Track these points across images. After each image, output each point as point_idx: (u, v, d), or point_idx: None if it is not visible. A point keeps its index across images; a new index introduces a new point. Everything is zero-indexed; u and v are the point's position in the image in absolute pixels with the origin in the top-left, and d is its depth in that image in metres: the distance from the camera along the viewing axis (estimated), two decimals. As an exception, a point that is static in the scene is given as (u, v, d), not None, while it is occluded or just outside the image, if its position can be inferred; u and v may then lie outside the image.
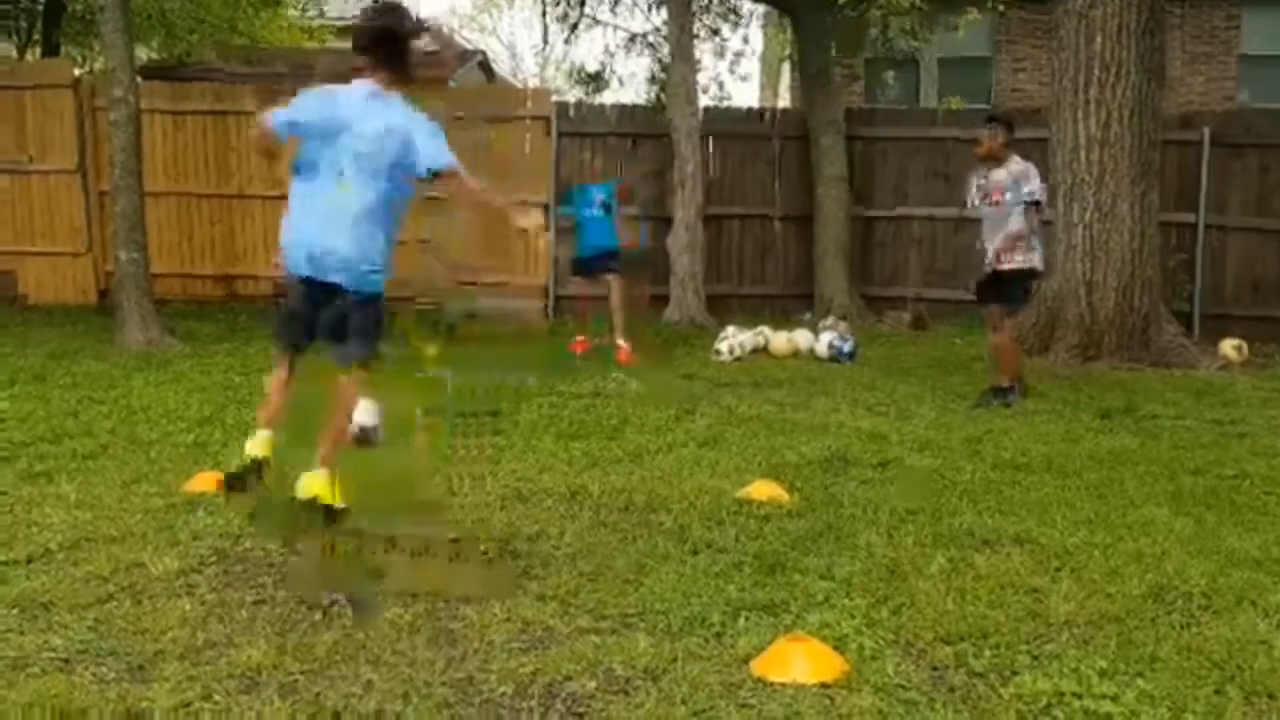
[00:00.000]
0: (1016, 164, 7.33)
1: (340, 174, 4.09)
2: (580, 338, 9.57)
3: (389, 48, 4.20)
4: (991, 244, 7.31)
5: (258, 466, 4.08)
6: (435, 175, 4.10)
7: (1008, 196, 7.25)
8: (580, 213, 9.68)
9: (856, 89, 16.58)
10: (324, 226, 4.09)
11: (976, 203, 7.50)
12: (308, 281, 4.09)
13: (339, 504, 4.01)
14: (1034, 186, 7.24)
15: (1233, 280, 11.95)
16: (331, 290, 4.07)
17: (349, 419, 4.35)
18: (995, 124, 7.52)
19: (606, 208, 9.60)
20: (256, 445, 4.12)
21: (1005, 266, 7.26)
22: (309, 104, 4.15)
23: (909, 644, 3.31)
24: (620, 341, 9.34)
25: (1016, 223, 7.19)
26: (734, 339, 9.61)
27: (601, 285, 9.53)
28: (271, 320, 4.91)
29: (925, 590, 3.74)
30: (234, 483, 4.11)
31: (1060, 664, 3.14)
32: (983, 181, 7.45)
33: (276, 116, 4.06)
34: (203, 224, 12.71)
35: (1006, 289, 7.34)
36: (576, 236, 9.72)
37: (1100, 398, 7.59)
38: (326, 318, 4.10)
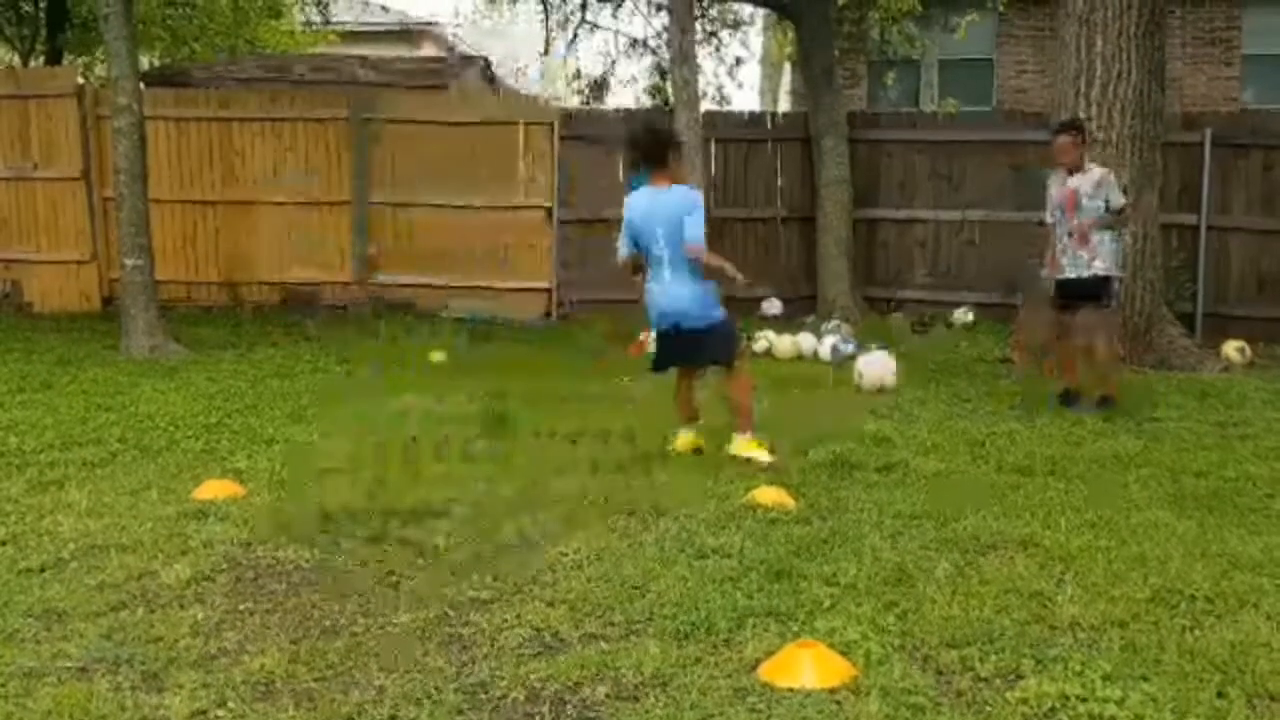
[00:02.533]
0: (1095, 170, 7.22)
1: None
2: (642, 337, 9.76)
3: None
4: (1068, 255, 7.18)
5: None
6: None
7: (1084, 203, 7.12)
8: None
9: (859, 92, 16.63)
10: None
11: (1057, 216, 7.31)
12: None
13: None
14: (1116, 194, 7.14)
15: (1236, 281, 11.97)
16: None
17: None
18: (1073, 130, 7.35)
19: None
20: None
21: (1087, 273, 7.14)
22: None
23: (915, 649, 3.34)
24: (643, 336, 9.58)
25: (1096, 230, 7.09)
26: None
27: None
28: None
29: (931, 595, 3.77)
30: None
31: (1065, 668, 3.16)
32: (1061, 190, 7.29)
33: None
34: (207, 230, 12.77)
35: (1091, 291, 7.17)
36: None
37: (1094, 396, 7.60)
38: None
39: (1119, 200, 7.19)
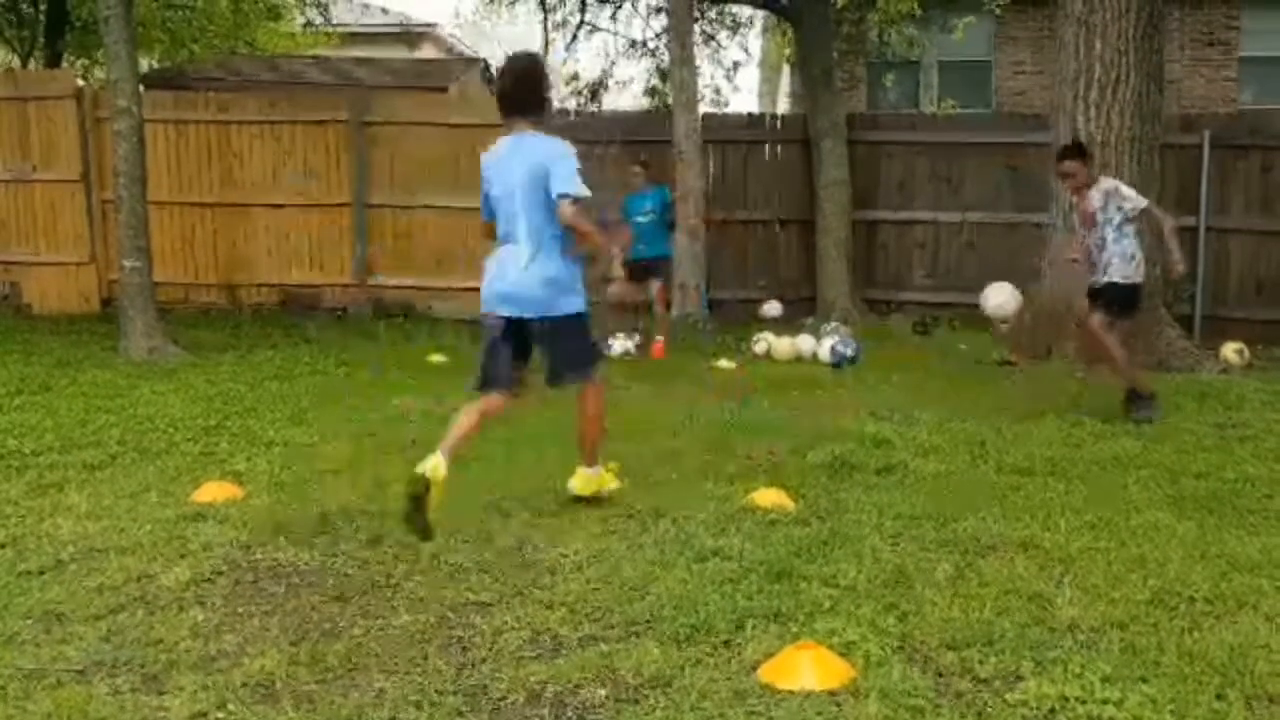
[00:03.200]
0: (1103, 184, 7.22)
1: None
2: (659, 339, 10.01)
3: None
4: (1099, 262, 7.15)
5: None
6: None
7: (1100, 218, 7.10)
8: (635, 220, 10.05)
9: (858, 93, 16.65)
10: None
11: (1082, 233, 7.30)
12: None
13: None
14: (1131, 199, 7.06)
15: (1235, 282, 11.98)
16: None
17: None
18: (1075, 154, 7.35)
19: (657, 214, 10.17)
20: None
21: (1108, 280, 7.09)
22: None
23: (915, 650, 3.34)
24: (659, 336, 9.95)
25: (1115, 238, 7.04)
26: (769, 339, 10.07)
27: (642, 290, 10.00)
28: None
29: (930, 596, 3.77)
30: None
31: (1064, 669, 3.16)
32: (1079, 209, 7.30)
33: None
34: (205, 233, 12.77)
35: (1104, 300, 7.12)
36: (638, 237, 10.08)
37: (1102, 402, 7.60)
38: None
39: (1135, 203, 7.06)
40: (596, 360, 5.03)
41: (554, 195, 4.54)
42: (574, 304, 4.73)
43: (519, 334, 4.73)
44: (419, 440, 6.12)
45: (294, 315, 12.03)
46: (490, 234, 4.93)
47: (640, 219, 10.05)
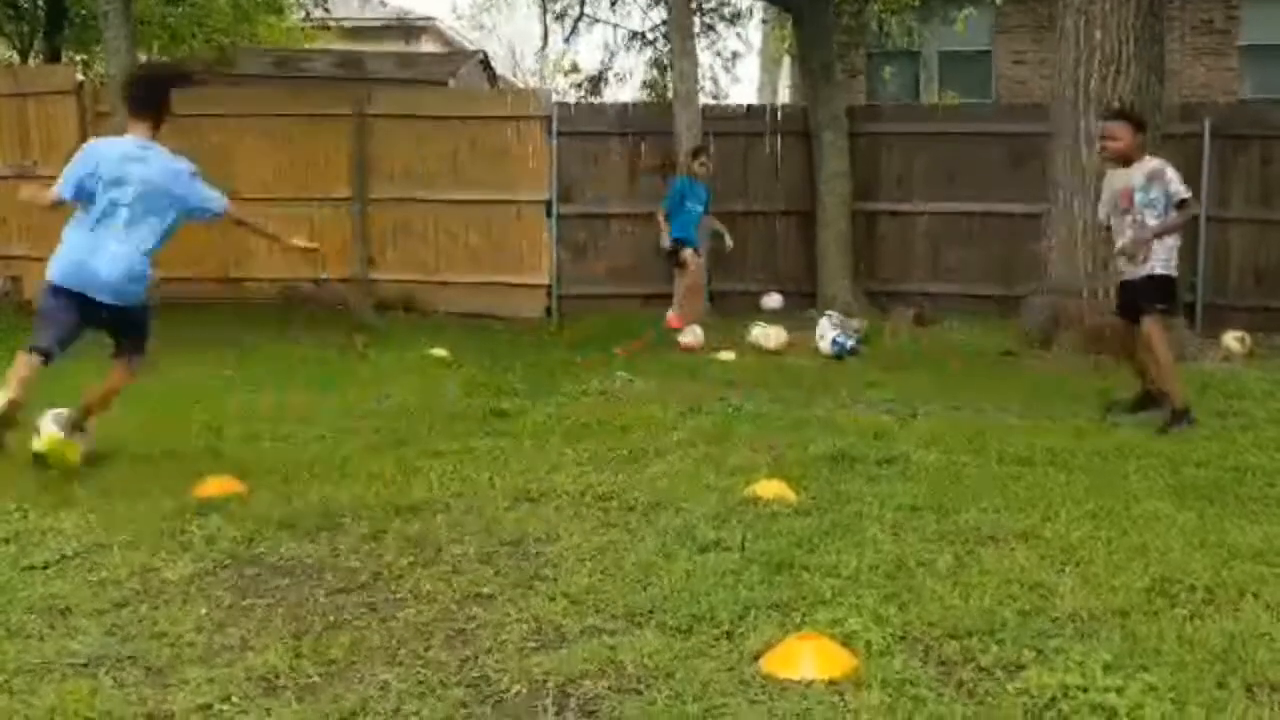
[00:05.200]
0: (1149, 163, 6.64)
1: None
2: (671, 313, 10.47)
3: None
4: (1126, 250, 6.65)
5: None
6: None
7: (1138, 198, 6.58)
8: (690, 207, 10.50)
9: (858, 85, 16.62)
10: None
11: (1113, 212, 6.80)
12: None
13: None
14: (1176, 184, 6.52)
15: (1235, 272, 11.98)
16: None
17: None
18: (1123, 119, 6.82)
19: (704, 207, 10.75)
20: None
21: (1143, 272, 6.63)
22: None
23: (917, 640, 3.35)
24: (673, 312, 10.42)
25: (1153, 225, 6.54)
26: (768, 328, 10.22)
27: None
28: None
29: (932, 586, 3.78)
30: None
31: (1065, 658, 3.17)
32: (1116, 185, 6.76)
33: None
34: (206, 226, 12.72)
35: (1146, 296, 6.68)
36: (678, 224, 10.50)
37: (1103, 391, 7.62)
38: None
39: (1179, 191, 6.54)
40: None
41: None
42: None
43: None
44: (419, 436, 6.15)
45: (295, 310, 12.04)
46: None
47: (698, 207, 10.51)
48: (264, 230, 6.20)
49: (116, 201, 5.22)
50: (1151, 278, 6.65)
